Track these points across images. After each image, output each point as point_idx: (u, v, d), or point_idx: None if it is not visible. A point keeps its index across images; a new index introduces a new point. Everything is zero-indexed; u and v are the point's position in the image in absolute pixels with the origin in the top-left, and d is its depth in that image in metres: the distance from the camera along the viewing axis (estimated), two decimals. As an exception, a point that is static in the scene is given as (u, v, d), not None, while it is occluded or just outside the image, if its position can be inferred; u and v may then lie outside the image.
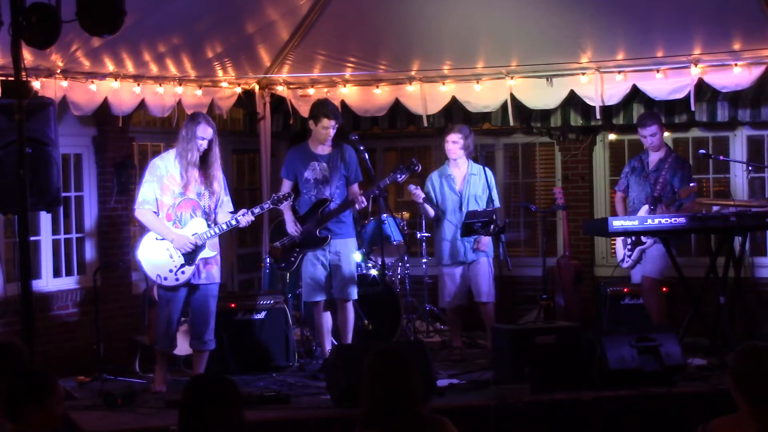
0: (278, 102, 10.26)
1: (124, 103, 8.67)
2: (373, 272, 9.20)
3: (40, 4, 5.24)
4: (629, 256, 8.72)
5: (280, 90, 10.12)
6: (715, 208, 8.52)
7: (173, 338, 7.77)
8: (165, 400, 7.31)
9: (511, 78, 9.52)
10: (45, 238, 8.99)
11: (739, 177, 10.08)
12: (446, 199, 8.87)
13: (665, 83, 9.11)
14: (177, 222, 7.61)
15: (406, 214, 10.59)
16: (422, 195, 8.73)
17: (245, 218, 7.64)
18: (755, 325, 8.83)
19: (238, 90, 9.92)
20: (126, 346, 8.80)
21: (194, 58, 8.99)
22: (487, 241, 8.69)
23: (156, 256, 7.60)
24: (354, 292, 8.31)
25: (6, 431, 3.89)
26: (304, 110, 9.33)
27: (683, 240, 9.38)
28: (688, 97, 9.04)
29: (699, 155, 9.26)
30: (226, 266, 10.75)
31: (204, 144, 7.56)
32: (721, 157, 9.47)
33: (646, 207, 8.56)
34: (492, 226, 8.46)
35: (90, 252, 9.37)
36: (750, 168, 9.46)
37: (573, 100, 9.59)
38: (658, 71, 9.09)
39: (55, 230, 9.11)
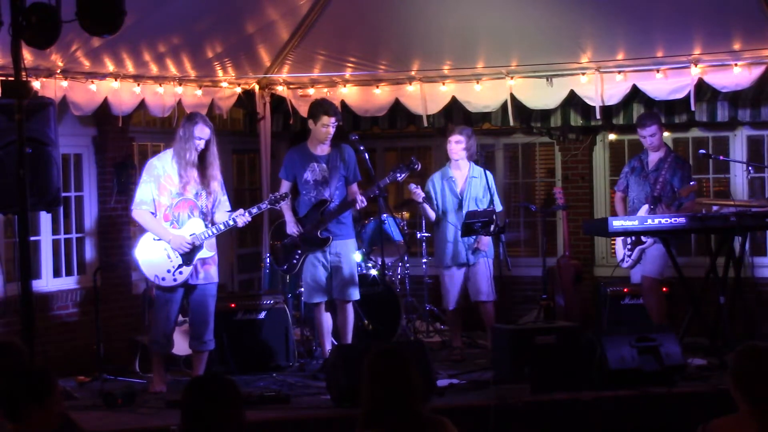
0: (278, 102, 10.26)
1: (124, 103, 8.67)
2: (373, 272, 9.20)
3: (40, 4, 5.24)
4: (629, 256, 8.72)
5: (280, 90, 10.12)
6: (714, 208, 8.52)
7: (170, 339, 7.77)
8: (165, 400, 7.31)
9: (511, 78, 9.52)
10: (45, 238, 8.99)
11: (739, 177, 10.08)
12: (447, 201, 8.87)
13: (665, 83, 9.11)
14: (174, 222, 7.61)
15: (406, 214, 10.59)
16: (422, 194, 8.73)
17: (242, 218, 7.64)
18: (755, 325, 8.83)
19: (238, 90, 9.92)
20: (126, 346, 8.80)
21: (194, 58, 8.99)
22: (487, 240, 8.69)
23: (153, 257, 7.59)
24: (355, 293, 8.31)
25: (6, 431, 3.89)
26: (304, 110, 9.33)
27: (683, 240, 9.38)
28: (688, 97, 9.04)
29: (699, 155, 9.26)
30: (226, 266, 10.76)
31: (201, 144, 7.55)
32: (721, 157, 9.47)
33: (645, 207, 8.56)
34: (492, 226, 8.46)
35: (90, 252, 9.37)
36: (750, 168, 9.46)
37: (573, 100, 9.59)
38: (658, 71, 9.09)
39: (55, 230, 9.11)
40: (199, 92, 9.40)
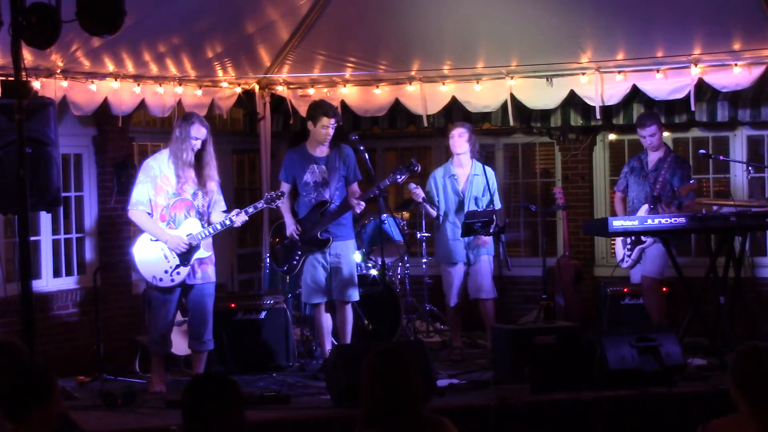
0: (278, 102, 10.26)
1: (124, 103, 8.67)
2: (373, 272, 9.20)
3: (40, 4, 5.24)
4: (629, 256, 8.72)
5: (280, 90, 10.12)
6: (714, 208, 8.52)
7: (168, 339, 7.77)
8: (165, 400, 7.31)
9: (511, 78, 9.52)
10: (45, 238, 8.99)
11: (739, 177, 10.08)
12: (448, 199, 8.88)
13: (665, 83, 9.11)
14: (171, 222, 7.60)
15: (406, 214, 10.59)
16: (422, 194, 8.73)
17: (239, 218, 7.64)
18: (755, 325, 8.83)
19: (238, 90, 9.92)
20: (126, 346, 8.80)
21: (194, 58, 8.99)
22: (488, 237, 8.68)
23: (151, 257, 7.59)
24: (354, 294, 8.31)
25: (6, 431, 3.89)
26: (304, 110, 9.32)
27: (683, 240, 9.38)
28: (688, 97, 9.04)
29: (699, 155, 9.26)
30: (226, 266, 10.76)
31: (198, 144, 7.55)
32: (721, 157, 9.47)
33: (645, 206, 8.56)
34: (492, 226, 8.46)
35: (90, 252, 9.37)
36: (750, 168, 9.46)
37: (573, 100, 9.59)
38: (658, 71, 9.09)
39: (55, 230, 9.11)
40: (199, 92, 9.40)
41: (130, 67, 8.56)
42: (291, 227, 8.27)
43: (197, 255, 7.59)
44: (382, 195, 8.39)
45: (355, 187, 8.36)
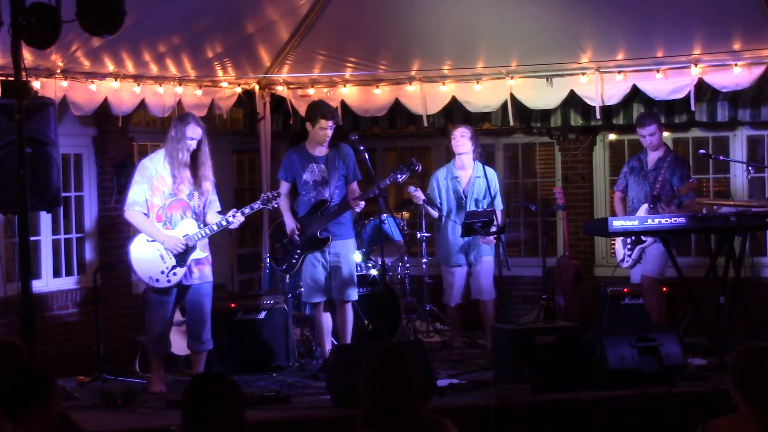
0: (278, 102, 10.26)
1: (124, 103, 8.67)
2: (373, 272, 9.20)
3: (40, 4, 5.24)
4: (629, 256, 8.72)
5: (280, 90, 10.11)
6: (714, 208, 8.52)
7: (167, 339, 7.77)
8: (165, 400, 7.31)
9: (511, 78, 9.52)
10: (45, 238, 8.99)
11: (739, 177, 10.08)
12: (450, 199, 8.88)
13: (665, 83, 9.11)
14: (167, 223, 7.60)
15: (406, 214, 10.59)
16: (422, 197, 8.73)
17: (235, 219, 7.63)
18: (755, 325, 8.83)
19: (238, 90, 9.92)
20: (126, 346, 8.80)
21: (194, 58, 8.99)
22: (491, 237, 8.67)
23: (147, 258, 7.59)
24: (353, 294, 8.31)
25: (6, 431, 3.89)
26: (304, 110, 9.31)
27: (683, 240, 9.38)
28: (688, 97, 9.04)
29: (699, 155, 9.26)
30: (226, 266, 10.76)
31: (193, 144, 7.55)
32: (721, 157, 9.47)
33: (645, 206, 8.56)
34: (492, 226, 8.46)
35: (90, 252, 9.37)
36: (750, 168, 9.46)
37: (573, 100, 9.59)
38: (658, 71, 9.08)
39: (55, 230, 9.11)
40: (199, 92, 9.40)
41: (130, 67, 8.56)
42: (291, 226, 8.27)
43: (194, 255, 7.59)
44: (382, 195, 8.39)
45: (354, 186, 8.36)
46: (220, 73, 9.48)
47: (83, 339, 8.81)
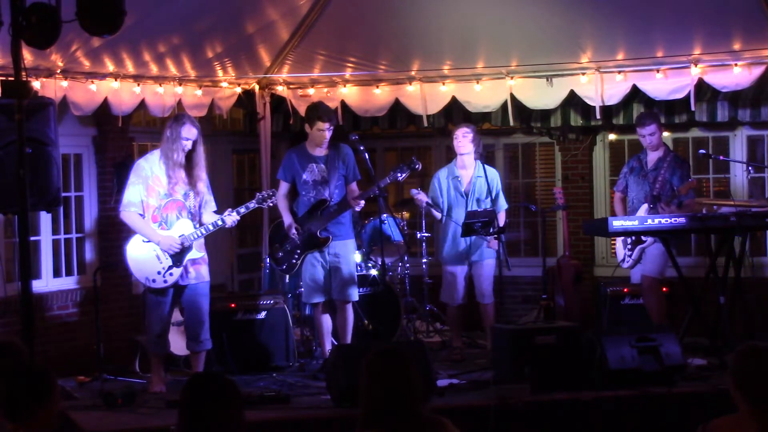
0: (278, 102, 10.26)
1: (124, 103, 8.67)
2: (373, 272, 9.20)
3: (40, 4, 5.24)
4: (629, 256, 8.72)
5: (280, 90, 10.12)
6: (714, 208, 8.52)
7: (165, 339, 7.77)
8: (165, 400, 7.31)
9: (511, 78, 9.52)
10: (45, 238, 8.99)
11: (739, 177, 10.08)
12: (452, 199, 8.88)
13: (665, 83, 9.11)
14: (163, 223, 7.60)
15: (406, 214, 10.59)
16: (425, 200, 8.73)
17: (231, 218, 7.64)
18: (755, 325, 8.83)
19: (238, 90, 9.92)
20: (126, 346, 8.80)
21: (194, 58, 8.99)
22: (495, 242, 8.66)
23: (143, 259, 7.59)
24: (354, 294, 8.31)
25: (6, 431, 3.89)
26: (304, 110, 9.32)
27: (683, 240, 9.38)
28: (688, 97, 9.04)
29: (699, 155, 9.26)
30: (226, 266, 10.76)
31: (188, 144, 7.55)
32: (721, 157, 9.47)
33: (645, 206, 8.56)
34: (492, 226, 8.46)
35: (90, 252, 9.37)
36: (750, 168, 9.46)
37: (573, 100, 9.59)
38: (658, 71, 9.09)
39: (55, 230, 9.11)
40: (199, 92, 9.40)
41: (130, 67, 8.56)
42: (290, 226, 8.27)
43: (190, 256, 7.59)
44: (382, 195, 8.39)
45: (354, 186, 8.36)
46: (220, 73, 9.48)
47: (83, 339, 8.81)
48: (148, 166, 7.61)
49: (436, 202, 8.88)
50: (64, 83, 8.12)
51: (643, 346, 7.35)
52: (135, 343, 8.65)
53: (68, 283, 9.19)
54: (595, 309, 9.64)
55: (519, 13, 8.92)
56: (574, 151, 10.67)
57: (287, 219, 8.32)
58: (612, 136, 10.67)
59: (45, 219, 8.93)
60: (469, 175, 8.89)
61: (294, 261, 8.34)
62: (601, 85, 9.26)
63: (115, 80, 8.54)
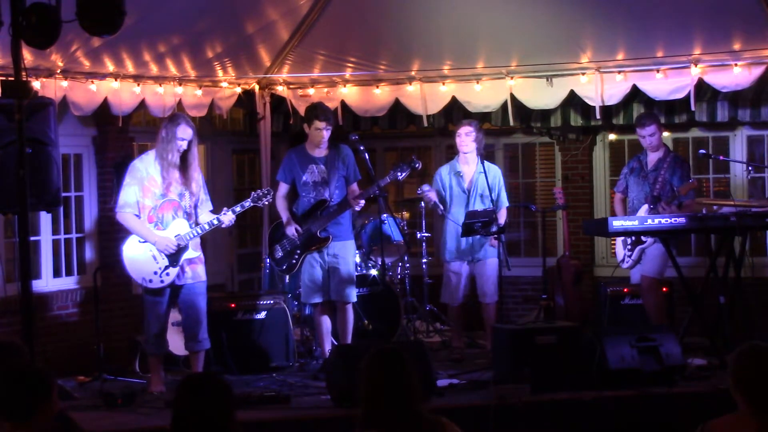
0: (278, 102, 10.26)
1: (124, 103, 8.67)
2: (373, 272, 9.20)
3: (40, 4, 5.24)
4: (629, 256, 8.72)
5: (280, 90, 10.11)
6: (714, 208, 8.52)
7: (164, 339, 7.76)
8: (165, 400, 7.30)
9: (511, 78, 9.52)
10: (45, 238, 8.99)
11: (739, 177, 10.08)
12: (454, 196, 8.88)
13: (665, 83, 9.11)
14: (159, 224, 7.59)
15: (406, 214, 10.59)
16: (434, 198, 8.73)
17: (226, 217, 7.64)
18: (755, 325, 8.83)
19: (238, 90, 9.91)
20: (126, 346, 8.80)
21: (194, 58, 8.99)
22: (495, 241, 8.66)
23: (140, 259, 7.58)
24: (352, 294, 8.30)
25: (5, 431, 3.89)
26: (304, 110, 9.33)
27: (683, 240, 9.38)
28: (688, 97, 9.04)
29: (699, 155, 9.25)
30: (226, 266, 10.76)
31: (184, 145, 7.55)
32: (721, 157, 9.47)
33: (645, 206, 8.56)
34: (492, 226, 8.46)
35: (90, 252, 9.37)
36: (750, 168, 9.46)
37: (573, 100, 9.59)
38: (658, 71, 9.08)
39: (55, 230, 9.10)
40: (199, 92, 9.40)
41: (130, 67, 8.56)
42: (290, 226, 8.27)
43: (186, 255, 7.59)
44: (382, 195, 8.39)
45: (354, 187, 8.36)
46: (220, 73, 9.48)
47: (83, 339, 8.81)
48: (143, 166, 7.61)
49: (441, 197, 8.89)
50: (64, 83, 8.12)
51: (643, 346, 7.36)
52: (135, 343, 8.65)
53: (68, 283, 9.18)
54: (595, 309, 9.64)
55: (519, 13, 8.92)
56: (574, 151, 10.67)
57: (288, 220, 8.31)
58: (612, 136, 10.67)
59: (45, 219, 8.93)
60: (472, 171, 8.89)
61: (294, 261, 8.34)
62: (601, 85, 9.26)
63: (115, 80, 8.54)
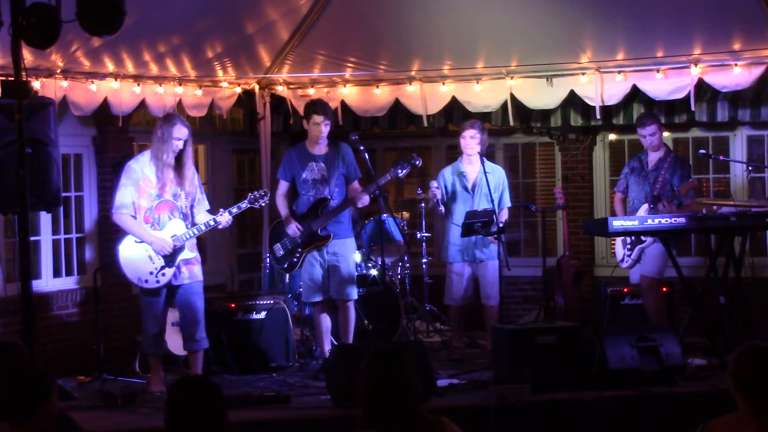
0: (278, 102, 10.26)
1: (124, 103, 8.67)
2: (373, 272, 9.20)
3: (40, 4, 5.24)
4: (629, 256, 8.72)
5: (280, 90, 10.12)
6: (714, 208, 8.52)
7: (162, 340, 7.76)
8: (164, 400, 7.29)
9: (511, 78, 9.52)
10: (45, 238, 8.99)
11: (739, 177, 10.08)
12: (458, 197, 8.88)
13: (665, 83, 9.11)
14: (155, 224, 7.59)
15: (406, 214, 10.59)
16: (439, 196, 8.73)
17: (223, 218, 7.63)
18: (755, 325, 8.83)
19: (238, 90, 9.92)
20: (126, 346, 8.81)
21: (194, 58, 8.99)
22: (495, 241, 8.65)
23: (136, 259, 7.57)
24: (353, 293, 8.30)
25: (5, 431, 3.89)
26: (303, 107, 9.33)
27: (683, 240, 9.38)
28: (688, 97, 9.04)
29: (699, 155, 9.25)
30: (226, 266, 10.76)
31: (179, 144, 7.54)
32: (721, 157, 9.47)
33: (645, 206, 8.56)
34: (492, 226, 8.46)
35: (90, 252, 9.37)
36: (750, 168, 9.46)
37: (573, 100, 9.59)
38: (658, 71, 9.08)
39: (55, 230, 9.11)
40: (199, 92, 9.40)
41: (130, 67, 8.56)
42: (291, 225, 8.27)
43: (182, 256, 7.58)
44: (382, 195, 8.39)
45: (356, 185, 8.35)
46: (220, 73, 9.48)
47: (83, 339, 8.81)
48: (139, 167, 7.60)
49: (443, 199, 8.89)
50: (64, 83, 8.12)
51: (643, 346, 7.36)
52: (135, 343, 8.65)
53: (68, 283, 9.19)
54: (595, 309, 9.64)
55: (519, 13, 8.92)
56: (574, 151, 10.67)
57: (289, 219, 8.31)
58: (612, 136, 10.67)
59: (45, 219, 8.93)
60: (475, 171, 8.89)
61: (295, 260, 8.34)
62: (601, 85, 9.26)
63: (115, 80, 8.54)
